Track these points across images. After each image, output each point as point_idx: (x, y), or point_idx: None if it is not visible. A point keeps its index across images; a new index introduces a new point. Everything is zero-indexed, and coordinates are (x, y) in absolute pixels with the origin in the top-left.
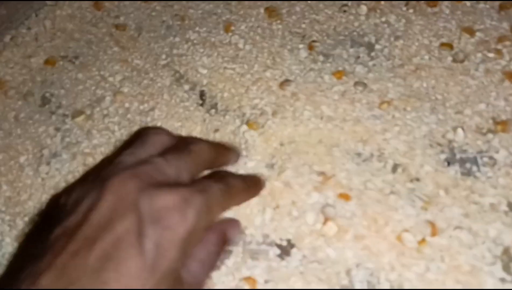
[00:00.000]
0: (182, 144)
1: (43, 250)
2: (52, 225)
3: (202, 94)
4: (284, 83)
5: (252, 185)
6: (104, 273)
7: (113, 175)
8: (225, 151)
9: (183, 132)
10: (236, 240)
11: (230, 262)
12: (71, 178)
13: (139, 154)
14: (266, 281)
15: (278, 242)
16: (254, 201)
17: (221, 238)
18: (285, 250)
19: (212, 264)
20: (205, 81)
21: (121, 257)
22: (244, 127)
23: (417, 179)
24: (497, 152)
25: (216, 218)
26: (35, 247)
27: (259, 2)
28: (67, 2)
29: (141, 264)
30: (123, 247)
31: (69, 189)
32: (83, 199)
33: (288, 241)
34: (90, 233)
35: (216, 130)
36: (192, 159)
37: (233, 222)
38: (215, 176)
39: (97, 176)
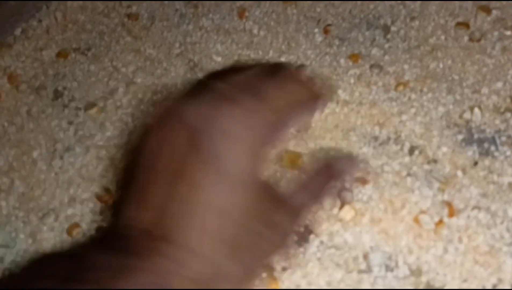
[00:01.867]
0: None
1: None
2: None
3: None
4: (300, 68)
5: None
6: (176, 188)
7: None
8: None
9: None
10: (348, 171)
11: None
12: (84, 172)
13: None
14: (283, 269)
15: (296, 229)
16: None
17: (329, 167)
18: (302, 237)
19: (316, 191)
20: (219, 69)
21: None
22: None
23: (434, 161)
24: None
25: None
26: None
27: None
28: None
29: (210, 172)
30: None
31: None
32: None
33: (306, 227)
34: (150, 161)
35: None
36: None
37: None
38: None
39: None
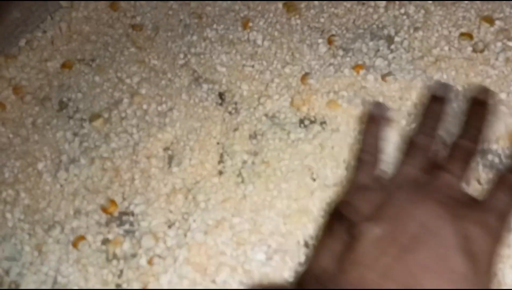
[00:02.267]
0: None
1: (348, 246)
2: (344, 223)
3: (221, 93)
4: (304, 78)
5: None
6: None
7: (404, 190)
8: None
9: (203, 132)
10: None
11: None
12: (90, 184)
13: (414, 163)
14: None
15: None
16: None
17: None
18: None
19: None
20: (224, 80)
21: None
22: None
23: None
24: None
25: None
26: (335, 242)
27: None
28: (82, 3)
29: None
30: (446, 257)
31: (355, 194)
32: (383, 206)
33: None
34: (407, 241)
35: (236, 129)
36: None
37: None
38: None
39: (383, 186)
